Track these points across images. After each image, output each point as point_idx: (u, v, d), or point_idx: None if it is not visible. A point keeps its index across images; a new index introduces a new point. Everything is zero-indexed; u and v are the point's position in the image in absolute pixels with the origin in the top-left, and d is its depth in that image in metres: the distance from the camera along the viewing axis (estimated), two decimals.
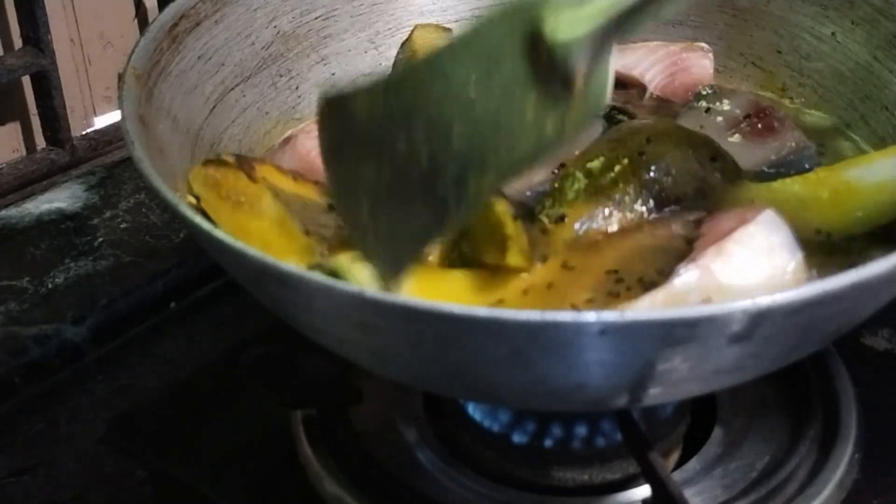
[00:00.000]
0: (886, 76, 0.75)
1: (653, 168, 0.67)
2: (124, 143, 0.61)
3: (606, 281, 0.61)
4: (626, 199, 0.66)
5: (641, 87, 0.81)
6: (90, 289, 0.89)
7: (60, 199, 0.99)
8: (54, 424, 0.78)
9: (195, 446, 0.75)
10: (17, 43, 1.03)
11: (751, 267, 0.58)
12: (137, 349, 0.85)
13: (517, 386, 0.54)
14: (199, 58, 0.73)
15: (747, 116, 0.75)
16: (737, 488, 0.69)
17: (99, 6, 1.09)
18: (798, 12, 0.80)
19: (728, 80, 0.83)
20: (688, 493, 0.65)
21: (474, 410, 0.71)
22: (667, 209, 0.67)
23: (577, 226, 0.65)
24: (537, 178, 0.69)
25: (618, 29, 0.53)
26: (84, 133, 1.10)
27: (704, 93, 0.78)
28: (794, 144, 0.73)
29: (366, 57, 0.83)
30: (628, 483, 0.69)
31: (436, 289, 0.59)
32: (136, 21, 1.12)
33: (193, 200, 0.65)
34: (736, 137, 0.74)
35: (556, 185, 0.67)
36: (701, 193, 0.68)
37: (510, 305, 0.60)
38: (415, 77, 0.53)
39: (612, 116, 0.76)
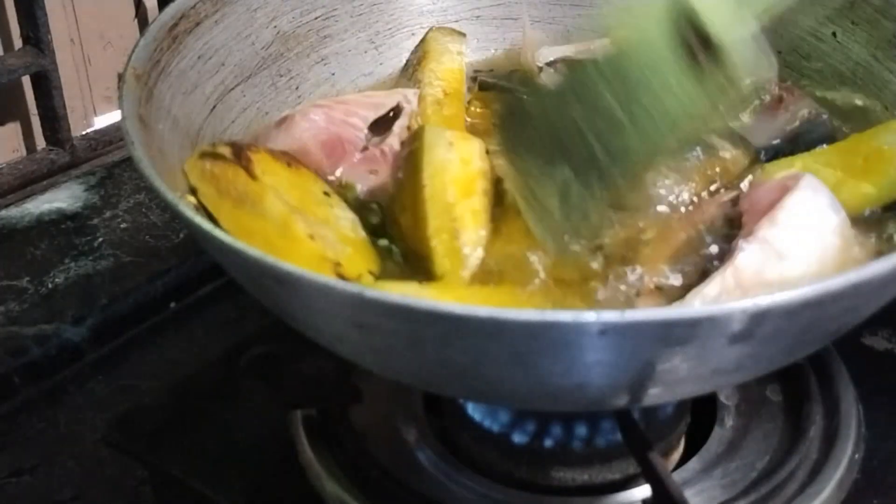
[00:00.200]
0: (886, 76, 0.75)
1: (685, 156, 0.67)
2: (124, 143, 0.61)
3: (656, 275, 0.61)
4: (663, 189, 0.66)
5: None
6: (90, 289, 0.89)
7: (60, 199, 0.99)
8: (54, 424, 0.78)
9: (195, 446, 0.75)
10: (17, 43, 1.03)
11: (803, 231, 0.59)
12: (137, 349, 0.85)
13: (517, 386, 0.54)
14: (199, 58, 0.73)
15: (755, 91, 0.75)
16: (737, 488, 0.69)
17: (99, 6, 1.09)
18: (798, 12, 0.80)
19: None
20: (688, 493, 0.65)
21: (474, 410, 0.70)
22: (696, 198, 0.66)
23: None
24: None
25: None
26: (84, 133, 1.10)
27: None
28: (806, 113, 0.72)
29: (366, 57, 0.83)
30: (628, 483, 0.69)
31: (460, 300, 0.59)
32: (136, 21, 1.12)
33: (193, 200, 0.65)
34: (748, 116, 0.74)
35: None
36: (709, 183, 0.68)
37: None
38: (588, 81, 0.58)
39: None
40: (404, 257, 0.64)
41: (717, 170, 0.68)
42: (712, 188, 0.67)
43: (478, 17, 0.87)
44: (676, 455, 0.72)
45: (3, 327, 0.84)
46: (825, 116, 0.72)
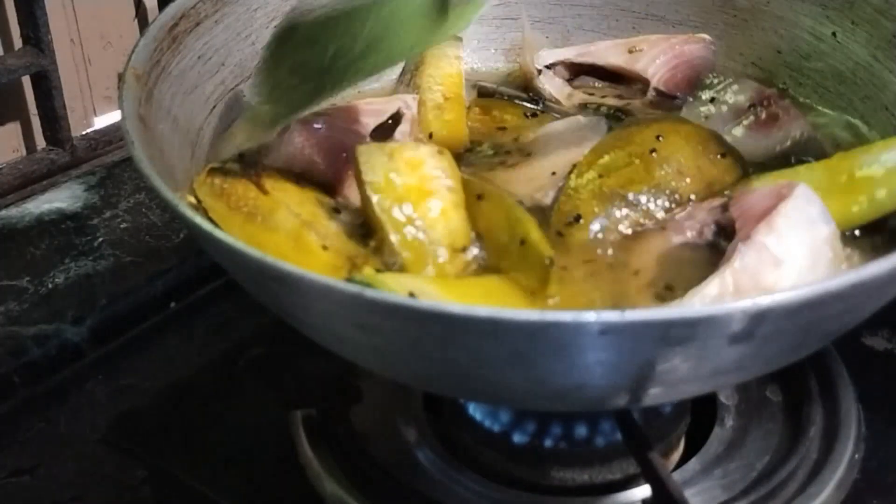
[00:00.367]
0: (886, 76, 0.75)
1: (665, 166, 0.67)
2: (124, 143, 0.61)
3: (645, 284, 0.61)
4: (641, 198, 0.66)
5: (644, 82, 0.81)
6: (90, 289, 0.89)
7: (60, 199, 0.99)
8: (54, 424, 0.78)
9: (195, 446, 0.75)
10: (17, 43, 1.03)
11: (797, 239, 0.59)
12: (137, 349, 0.85)
13: (517, 386, 0.54)
14: (199, 58, 0.73)
15: (752, 106, 0.75)
16: (737, 488, 0.69)
17: (99, 6, 1.09)
18: (798, 12, 0.80)
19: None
20: (688, 493, 0.65)
21: (474, 410, 0.71)
22: (679, 209, 0.67)
23: (592, 226, 0.65)
24: (552, 179, 0.69)
25: None
26: (84, 133, 1.10)
27: (709, 82, 0.78)
28: (799, 134, 0.73)
29: None
30: (628, 483, 0.69)
31: (465, 294, 0.59)
32: (136, 21, 1.11)
33: (193, 201, 0.65)
34: (740, 129, 0.74)
35: (569, 181, 0.67)
36: (708, 188, 0.68)
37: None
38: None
39: (616, 117, 0.77)
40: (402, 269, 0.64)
41: (712, 177, 0.68)
42: (703, 195, 0.68)
43: (478, 16, 0.87)
44: (676, 455, 0.72)
45: (3, 327, 0.84)
46: (815, 141, 0.72)
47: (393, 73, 0.84)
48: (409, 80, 0.82)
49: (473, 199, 0.65)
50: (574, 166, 0.69)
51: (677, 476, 0.68)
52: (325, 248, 0.62)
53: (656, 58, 0.81)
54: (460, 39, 0.83)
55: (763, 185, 0.66)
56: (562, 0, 0.88)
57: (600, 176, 0.66)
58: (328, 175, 0.70)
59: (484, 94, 0.81)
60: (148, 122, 0.64)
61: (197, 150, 0.70)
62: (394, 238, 0.62)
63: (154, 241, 0.94)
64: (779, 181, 0.66)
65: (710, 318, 0.49)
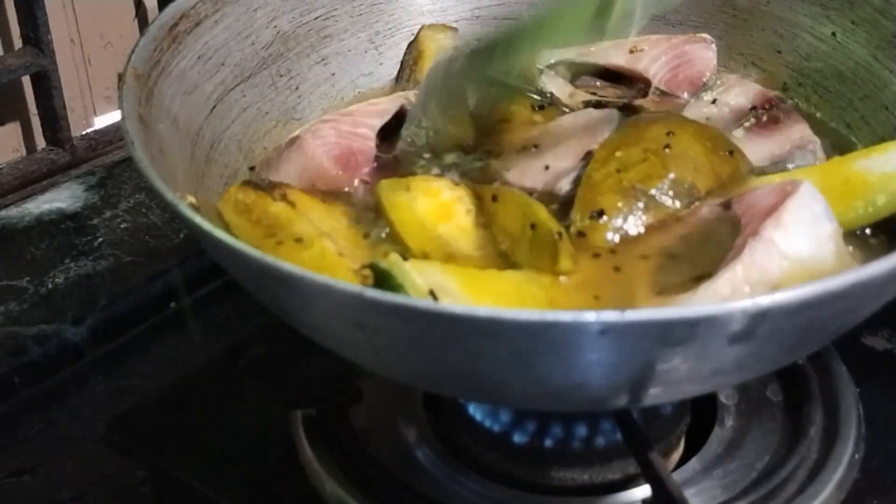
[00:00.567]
0: (886, 76, 0.75)
1: (681, 162, 0.67)
2: (124, 143, 0.61)
3: (656, 280, 0.61)
4: (662, 193, 0.66)
5: (645, 82, 0.81)
6: (90, 289, 0.89)
7: (60, 199, 0.99)
8: (54, 424, 0.78)
9: (195, 446, 0.75)
10: (17, 43, 1.03)
11: (803, 235, 0.60)
12: (137, 349, 0.85)
13: (517, 386, 0.54)
14: (199, 58, 0.73)
15: (753, 108, 0.75)
16: (737, 488, 0.69)
17: (99, 6, 1.09)
18: (798, 12, 0.80)
19: (726, 74, 0.83)
20: (688, 493, 0.65)
21: (474, 410, 0.71)
22: (695, 203, 0.67)
23: (615, 221, 0.65)
24: (568, 164, 0.69)
25: None
26: (84, 133, 1.10)
27: (711, 83, 0.78)
28: (798, 138, 0.73)
29: (366, 57, 0.83)
30: (628, 483, 0.69)
31: (486, 289, 0.59)
32: (136, 21, 1.12)
33: (193, 201, 0.65)
34: (741, 131, 0.74)
35: (587, 175, 0.67)
36: (721, 186, 0.68)
37: (561, 306, 0.60)
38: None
39: (622, 111, 0.77)
40: None
41: (724, 174, 0.68)
42: (716, 192, 0.68)
43: (478, 16, 0.87)
44: (676, 455, 0.72)
45: (3, 327, 0.84)
46: (815, 146, 0.72)
47: (392, 73, 0.84)
48: (408, 76, 0.82)
49: (489, 201, 0.66)
50: (587, 154, 0.69)
51: (677, 476, 0.68)
52: (340, 254, 0.62)
53: (658, 58, 0.81)
54: (456, 30, 0.83)
55: (766, 183, 0.66)
56: (562, 0, 0.88)
57: (618, 171, 0.66)
58: (340, 181, 0.70)
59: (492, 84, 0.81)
60: (148, 122, 0.64)
61: (197, 150, 0.70)
62: (416, 249, 0.63)
63: (154, 241, 0.94)
64: (783, 179, 0.66)
65: (710, 318, 0.49)
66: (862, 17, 0.77)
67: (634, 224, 0.65)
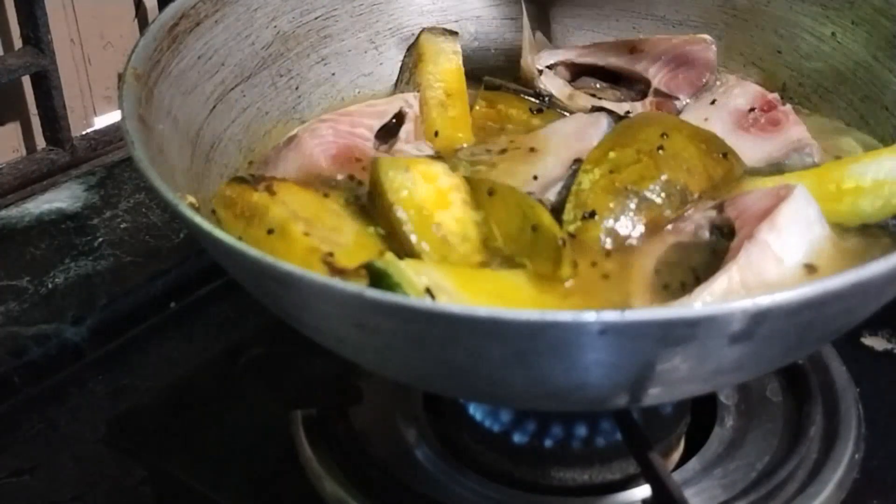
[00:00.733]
0: (886, 76, 0.75)
1: (674, 164, 0.67)
2: (124, 143, 0.61)
3: (651, 283, 0.61)
4: (654, 195, 0.66)
5: (645, 83, 0.81)
6: (90, 289, 0.89)
7: (60, 199, 0.99)
8: (54, 424, 0.78)
9: (195, 446, 0.75)
10: (17, 43, 1.03)
11: (797, 238, 0.60)
12: (137, 349, 0.85)
13: (517, 386, 0.54)
14: (199, 58, 0.73)
15: (752, 109, 0.75)
16: (737, 488, 0.69)
17: (99, 6, 1.09)
18: (798, 12, 0.80)
19: (726, 74, 0.83)
20: (688, 493, 0.65)
21: (474, 410, 0.71)
22: (687, 205, 0.67)
23: (607, 222, 0.65)
24: (556, 172, 0.69)
25: None
26: (84, 133, 1.10)
27: (711, 84, 0.78)
28: (796, 140, 0.73)
29: (366, 57, 0.83)
30: (628, 483, 0.69)
31: (483, 289, 0.59)
32: (136, 21, 1.12)
33: (193, 201, 0.65)
34: (740, 133, 0.74)
35: (579, 177, 0.67)
36: (713, 188, 0.68)
37: (558, 308, 0.60)
38: None
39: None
40: None
41: (717, 176, 0.68)
42: (709, 194, 0.68)
43: (478, 17, 0.87)
44: (676, 455, 0.72)
45: (3, 327, 0.84)
46: (813, 149, 0.72)
47: (392, 73, 0.84)
48: (408, 79, 0.82)
49: (484, 195, 0.65)
50: (576, 161, 0.69)
51: (677, 476, 0.68)
52: (306, 234, 0.62)
53: (658, 58, 0.81)
54: (456, 34, 0.83)
55: (759, 187, 0.67)
56: (562, 1, 0.88)
57: (611, 172, 0.66)
58: (337, 179, 0.70)
59: (490, 88, 0.81)
60: (148, 122, 0.64)
61: (197, 150, 0.70)
62: (413, 238, 0.62)
63: (154, 241, 0.94)
64: (777, 183, 0.66)
65: (710, 318, 0.49)
66: (862, 17, 0.77)
67: (626, 225, 0.65)
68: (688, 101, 0.79)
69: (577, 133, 0.73)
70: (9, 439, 0.77)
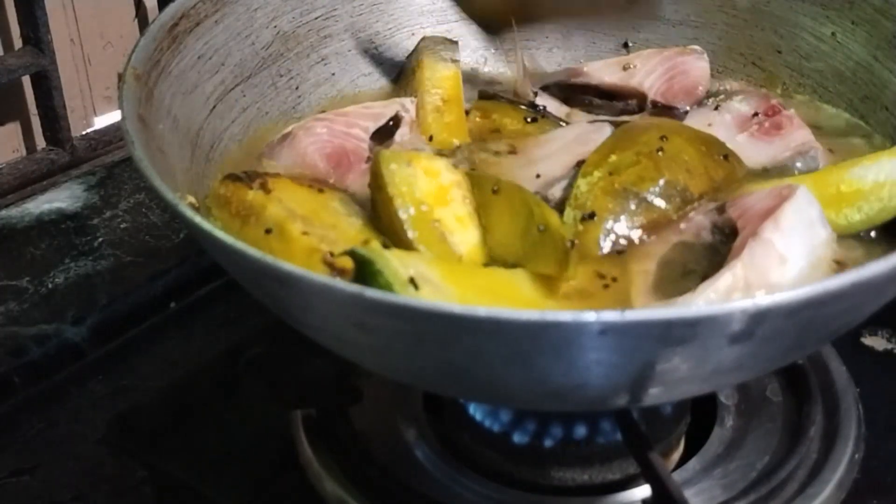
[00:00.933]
0: (886, 76, 0.75)
1: (674, 165, 0.67)
2: (124, 143, 0.61)
3: (652, 283, 0.61)
4: (654, 196, 0.66)
5: (641, 97, 0.81)
6: (90, 289, 0.89)
7: (60, 199, 0.99)
8: (54, 424, 0.78)
9: (195, 446, 0.75)
10: (17, 43, 1.03)
11: (799, 239, 0.60)
12: (137, 349, 0.85)
13: (517, 386, 0.54)
14: (199, 58, 0.73)
15: (756, 114, 0.75)
16: (737, 488, 0.69)
17: (99, 6, 1.09)
18: (798, 12, 0.80)
19: (729, 80, 0.83)
20: (688, 493, 0.65)
21: (474, 410, 0.71)
22: (689, 206, 0.67)
23: (607, 223, 0.65)
24: (559, 173, 0.69)
25: None
26: (84, 133, 1.10)
27: (714, 90, 0.78)
28: (799, 144, 0.73)
29: (366, 57, 0.83)
30: (628, 483, 0.69)
31: (471, 283, 0.59)
32: (136, 21, 1.12)
33: (193, 201, 0.65)
34: (743, 136, 0.74)
35: (578, 180, 0.67)
36: (715, 189, 0.68)
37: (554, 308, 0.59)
38: None
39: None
40: None
41: (718, 177, 0.68)
42: (710, 195, 0.68)
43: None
44: (676, 455, 0.72)
45: (3, 327, 0.84)
46: (816, 153, 0.72)
47: (392, 71, 0.84)
48: (406, 84, 0.82)
49: (488, 193, 0.65)
50: (578, 164, 0.69)
51: (677, 476, 0.68)
52: (305, 233, 0.62)
53: (651, 71, 0.81)
54: (456, 43, 0.83)
55: (761, 188, 0.67)
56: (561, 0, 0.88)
57: (610, 174, 0.66)
58: (331, 177, 0.70)
59: (485, 97, 0.81)
60: (148, 122, 0.64)
61: (197, 150, 0.70)
62: (411, 234, 0.62)
63: (154, 241, 0.94)
64: (779, 183, 0.66)
65: (710, 318, 0.49)
66: (862, 17, 0.77)
67: (626, 226, 0.65)
68: (687, 108, 0.79)
69: (579, 138, 0.73)
70: (9, 439, 0.77)
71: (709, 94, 0.79)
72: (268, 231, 0.63)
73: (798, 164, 0.71)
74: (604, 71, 0.82)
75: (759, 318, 0.49)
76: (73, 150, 1.07)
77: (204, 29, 0.73)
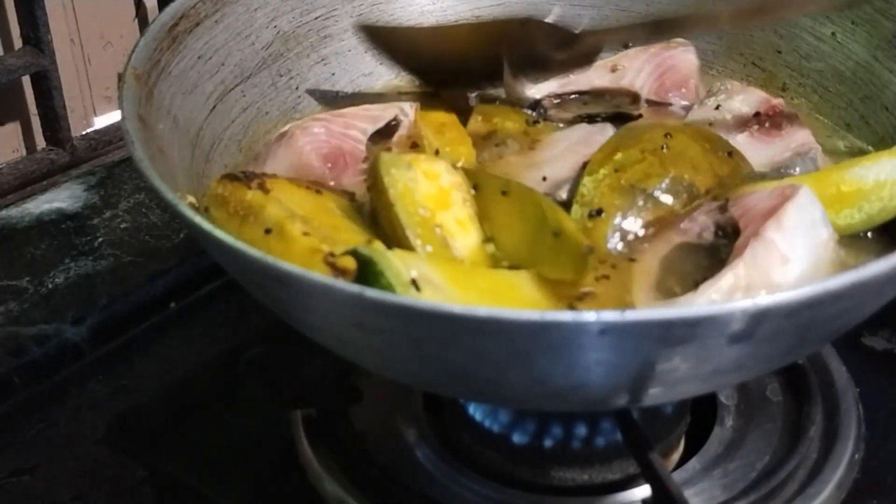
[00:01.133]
0: (886, 76, 0.75)
1: (679, 161, 0.67)
2: (124, 143, 0.61)
3: (653, 283, 0.61)
4: (660, 192, 0.66)
5: (633, 96, 0.81)
6: (90, 289, 0.89)
7: (60, 199, 0.99)
8: (54, 424, 0.78)
9: (195, 446, 0.75)
10: (17, 43, 1.03)
11: (801, 239, 0.60)
12: (137, 349, 0.85)
13: (517, 386, 0.54)
14: (199, 58, 0.73)
15: (756, 114, 0.75)
16: (737, 488, 0.69)
17: (99, 6, 1.09)
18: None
19: (729, 80, 0.83)
20: (688, 493, 0.65)
21: (474, 410, 0.71)
22: (695, 202, 0.67)
23: (615, 220, 0.65)
24: (564, 175, 0.69)
25: None
26: (84, 133, 1.10)
27: (716, 89, 0.78)
28: (799, 145, 0.73)
29: (366, 57, 0.83)
30: (628, 483, 0.69)
31: (474, 285, 0.59)
32: (136, 21, 1.12)
33: (193, 201, 0.65)
34: (744, 136, 0.74)
35: (583, 178, 0.67)
36: (720, 185, 0.68)
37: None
38: None
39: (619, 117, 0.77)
40: None
41: (723, 174, 0.68)
42: (715, 192, 0.68)
43: (478, 17, 0.87)
44: (676, 455, 0.72)
45: (3, 327, 0.84)
46: (816, 153, 0.72)
47: (392, 71, 0.84)
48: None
49: (497, 194, 0.65)
50: (584, 165, 0.69)
51: (677, 476, 0.68)
52: (305, 234, 0.62)
53: (641, 69, 0.81)
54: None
55: (763, 188, 0.67)
56: (562, 0, 0.88)
57: (616, 171, 0.66)
58: (327, 178, 0.70)
59: (486, 101, 0.80)
60: (148, 122, 0.64)
61: (197, 150, 0.70)
62: (414, 241, 0.62)
63: (154, 241, 0.94)
64: (782, 183, 0.66)
65: (710, 318, 0.49)
66: (862, 17, 0.77)
67: (634, 223, 0.65)
68: (684, 102, 0.79)
69: (583, 140, 0.73)
70: (9, 439, 0.77)
71: (709, 94, 0.79)
72: (267, 231, 0.62)
73: (798, 165, 0.71)
74: (593, 76, 0.82)
75: (760, 318, 0.49)
76: (73, 150, 1.07)
77: (204, 29, 0.73)
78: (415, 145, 0.74)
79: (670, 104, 0.80)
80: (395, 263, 0.55)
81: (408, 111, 0.75)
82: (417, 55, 0.80)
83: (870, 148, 0.75)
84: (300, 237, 0.61)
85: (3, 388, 0.80)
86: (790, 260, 0.59)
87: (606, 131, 0.73)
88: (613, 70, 0.82)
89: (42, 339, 0.83)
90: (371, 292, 0.50)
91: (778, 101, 0.76)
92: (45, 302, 0.87)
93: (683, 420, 0.72)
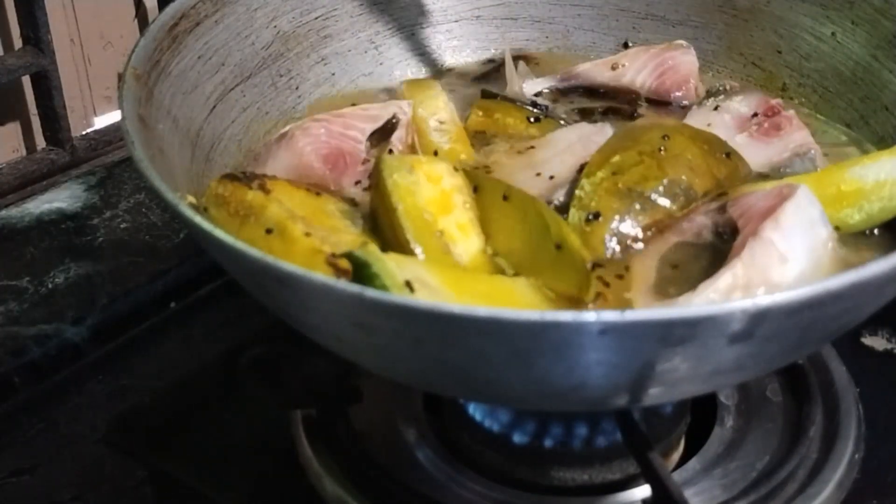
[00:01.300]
0: (886, 76, 0.75)
1: (677, 163, 0.67)
2: (124, 143, 0.61)
3: (653, 283, 0.62)
4: (658, 195, 0.66)
5: (634, 94, 0.81)
6: (90, 289, 0.89)
7: (60, 199, 0.99)
8: (54, 424, 0.78)
9: (195, 446, 0.75)
10: (17, 43, 1.03)
11: (799, 238, 0.60)
12: (137, 349, 0.85)
13: (517, 386, 0.54)
14: (199, 58, 0.73)
15: (755, 115, 0.75)
16: (737, 488, 0.69)
17: (99, 6, 1.09)
18: (798, 12, 0.81)
19: (729, 80, 0.83)
20: (688, 493, 0.65)
21: (474, 410, 0.71)
22: (692, 205, 0.67)
23: (612, 224, 0.64)
24: (563, 176, 0.69)
25: None
26: (84, 133, 1.10)
27: (715, 90, 0.78)
28: (798, 145, 0.73)
29: (366, 57, 0.83)
30: (628, 483, 0.69)
31: (469, 288, 0.59)
32: (136, 21, 1.12)
33: (193, 201, 0.65)
34: (742, 136, 0.74)
35: (581, 181, 0.67)
36: (718, 187, 0.68)
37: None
38: None
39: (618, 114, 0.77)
40: None
41: (721, 175, 0.68)
42: (713, 194, 0.68)
43: (478, 17, 0.87)
44: (676, 455, 0.72)
45: (3, 327, 0.84)
46: (815, 154, 0.72)
47: (392, 71, 0.84)
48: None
49: (498, 199, 0.65)
50: (582, 166, 0.69)
51: (677, 476, 0.68)
52: (307, 234, 0.62)
53: (641, 68, 0.81)
54: (435, 80, 0.83)
55: (761, 188, 0.67)
56: (561, 0, 0.88)
57: (614, 174, 0.66)
58: (327, 179, 0.70)
59: (487, 97, 0.81)
60: (148, 122, 0.64)
61: (197, 150, 0.70)
62: (416, 247, 0.62)
63: (154, 241, 0.94)
64: (780, 183, 0.66)
65: (710, 318, 0.49)
66: (862, 17, 0.77)
67: (632, 226, 0.65)
68: (684, 102, 0.79)
69: (581, 140, 0.73)
70: (9, 439, 0.77)
71: (709, 94, 0.79)
72: (268, 231, 0.62)
73: (797, 165, 0.71)
74: (594, 71, 0.82)
75: (759, 318, 0.49)
76: (73, 150, 1.07)
77: (204, 29, 0.73)
78: (413, 145, 0.74)
79: (670, 103, 0.80)
80: (389, 266, 0.55)
81: (406, 109, 0.75)
82: None
83: (870, 147, 0.75)
84: (302, 237, 0.61)
85: (3, 388, 0.80)
86: (789, 259, 0.59)
87: (605, 131, 0.73)
88: (613, 68, 0.82)
89: (42, 339, 0.83)
90: (372, 292, 0.50)
91: (776, 102, 0.76)
92: (45, 302, 0.87)
93: (683, 420, 0.72)
